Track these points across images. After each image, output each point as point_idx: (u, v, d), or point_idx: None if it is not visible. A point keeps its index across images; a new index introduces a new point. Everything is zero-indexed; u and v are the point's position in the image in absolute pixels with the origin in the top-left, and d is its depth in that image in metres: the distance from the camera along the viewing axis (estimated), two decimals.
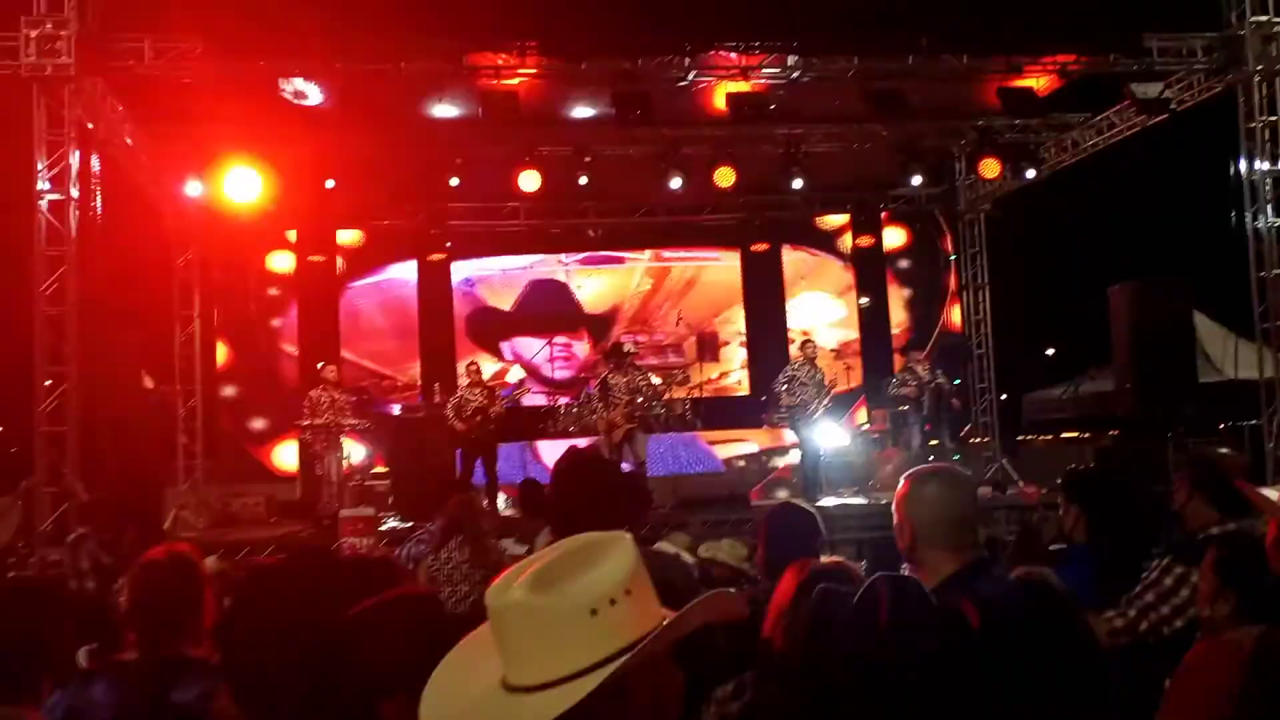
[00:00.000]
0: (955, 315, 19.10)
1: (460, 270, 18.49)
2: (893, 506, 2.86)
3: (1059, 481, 4.32)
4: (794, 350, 13.49)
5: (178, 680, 3.15)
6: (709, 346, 18.90)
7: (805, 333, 13.85)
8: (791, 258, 19.26)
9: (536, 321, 18.58)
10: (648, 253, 19.21)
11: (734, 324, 19.30)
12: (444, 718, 1.62)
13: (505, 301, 18.81)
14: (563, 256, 18.70)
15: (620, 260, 19.12)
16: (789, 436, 15.19)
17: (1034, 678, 2.60)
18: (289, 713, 2.24)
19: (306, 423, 13.50)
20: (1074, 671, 2.71)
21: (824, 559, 3.33)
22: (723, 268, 19.35)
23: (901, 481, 2.88)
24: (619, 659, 1.51)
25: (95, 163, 11.98)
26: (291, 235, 17.88)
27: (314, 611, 2.27)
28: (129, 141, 13.37)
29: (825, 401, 12.94)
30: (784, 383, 13.13)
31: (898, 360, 18.34)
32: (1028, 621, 2.63)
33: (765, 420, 16.57)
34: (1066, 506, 4.16)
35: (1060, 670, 2.66)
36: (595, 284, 19.08)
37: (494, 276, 18.88)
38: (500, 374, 17.21)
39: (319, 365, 13.89)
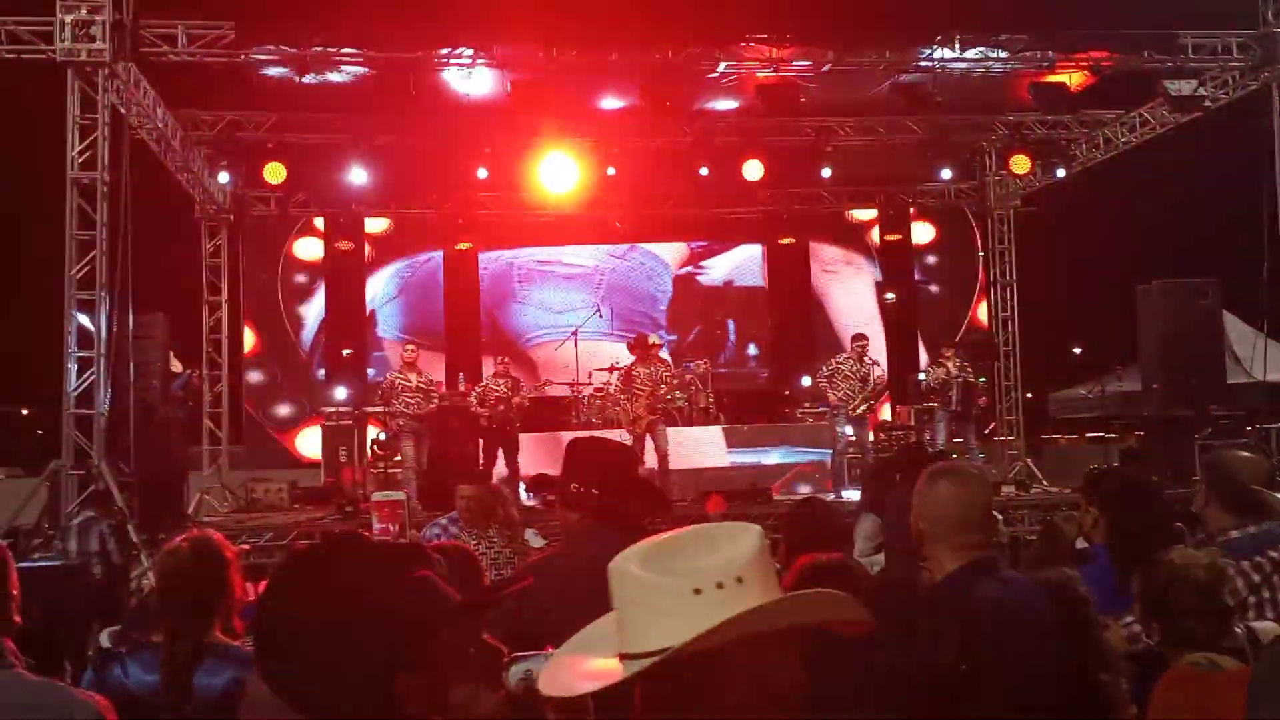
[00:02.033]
0: (982, 312, 18.99)
1: (486, 261, 18.49)
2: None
3: (1082, 481, 4.29)
4: (857, 347, 13.37)
5: (204, 665, 3.18)
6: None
7: (862, 335, 13.72)
8: (818, 252, 19.19)
9: None
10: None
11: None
12: (552, 676, 1.73)
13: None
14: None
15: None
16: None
17: (1041, 680, 2.59)
18: (314, 692, 2.27)
19: (381, 409, 13.29)
20: (1083, 677, 2.70)
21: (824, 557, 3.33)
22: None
23: (922, 478, 2.90)
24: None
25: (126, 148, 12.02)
26: (319, 223, 17.93)
27: (347, 597, 2.29)
28: (161, 126, 13.43)
29: (869, 398, 12.90)
30: (826, 375, 13.09)
31: (923, 357, 18.32)
32: (1041, 623, 2.62)
33: (788, 414, 16.58)
34: (1086, 506, 4.13)
35: (1070, 675, 2.65)
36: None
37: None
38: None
39: (406, 348, 13.51)
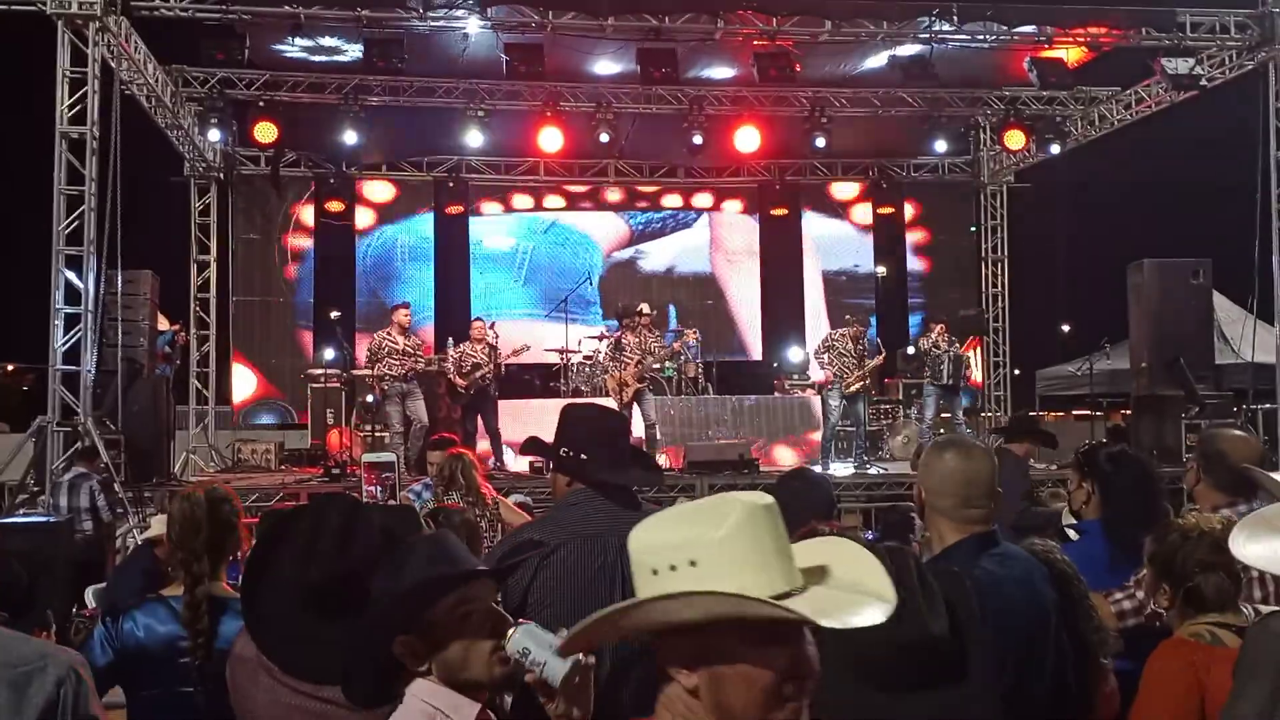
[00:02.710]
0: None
1: (478, 225, 18.38)
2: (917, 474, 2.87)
3: (1072, 457, 4.27)
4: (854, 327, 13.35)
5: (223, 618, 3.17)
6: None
7: (853, 316, 13.68)
8: (810, 222, 19.10)
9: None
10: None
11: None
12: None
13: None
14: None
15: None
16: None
17: (1036, 656, 2.59)
18: (308, 654, 2.26)
19: (368, 372, 13.14)
20: (1078, 654, 2.70)
21: (826, 526, 3.32)
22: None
23: (926, 450, 2.89)
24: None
25: (116, 103, 11.91)
26: (310, 184, 17.78)
27: (345, 560, 2.28)
28: (151, 82, 13.31)
29: (863, 375, 12.89)
30: (823, 351, 13.08)
31: (914, 331, 18.33)
32: (1039, 599, 2.61)
33: (777, 386, 16.56)
34: (1079, 482, 4.12)
35: (1063, 651, 2.65)
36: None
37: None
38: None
39: (399, 311, 13.33)
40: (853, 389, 12.80)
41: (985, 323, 18.20)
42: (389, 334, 12.68)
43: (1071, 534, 4.25)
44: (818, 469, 11.96)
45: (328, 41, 13.69)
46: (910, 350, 14.79)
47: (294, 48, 13.94)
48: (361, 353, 13.89)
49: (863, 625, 1.56)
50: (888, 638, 1.77)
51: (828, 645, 1.62)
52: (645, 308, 13.66)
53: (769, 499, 1.61)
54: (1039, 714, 2.55)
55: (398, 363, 12.51)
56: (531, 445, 3.41)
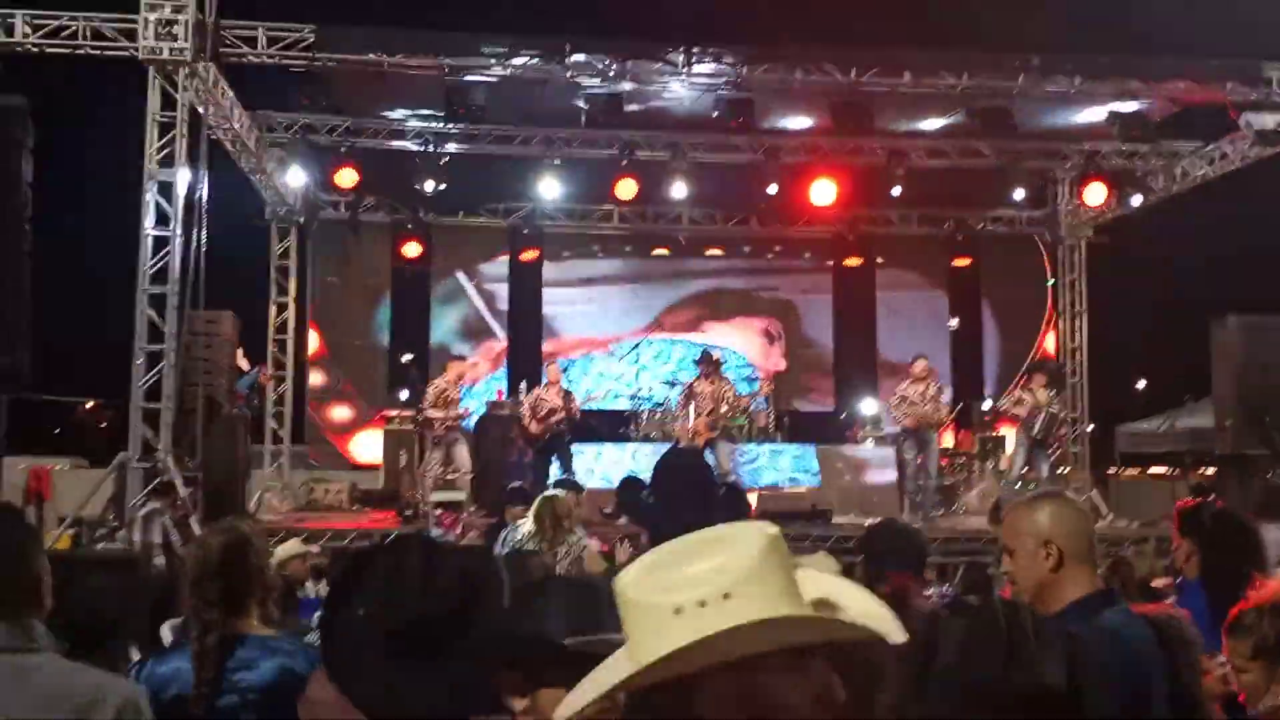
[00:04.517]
0: (1050, 341, 18.73)
1: (552, 270, 18.49)
2: (1016, 529, 2.77)
3: (1172, 514, 4.16)
4: (917, 369, 13.24)
5: (236, 656, 3.18)
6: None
7: (923, 357, 13.54)
8: (884, 274, 18.97)
9: None
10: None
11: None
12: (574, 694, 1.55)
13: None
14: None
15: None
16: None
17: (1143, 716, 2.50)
18: (387, 696, 2.23)
19: (427, 414, 13.31)
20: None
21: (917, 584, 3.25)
22: None
23: (1029, 503, 2.80)
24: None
25: (204, 147, 12.15)
26: (387, 227, 17.99)
27: (420, 598, 2.26)
28: (237, 127, 13.58)
29: (936, 423, 12.75)
30: (896, 402, 12.96)
31: (989, 384, 18.15)
32: (1153, 660, 2.53)
33: (850, 436, 16.41)
34: (1179, 540, 4.01)
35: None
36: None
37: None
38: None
39: (461, 358, 13.45)
40: (928, 437, 12.67)
41: (1064, 378, 17.90)
42: (446, 379, 12.92)
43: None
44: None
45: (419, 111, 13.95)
46: (1002, 402, 14.46)
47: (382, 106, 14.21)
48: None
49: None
50: (999, 685, 1.71)
51: (933, 686, 1.55)
52: (721, 355, 13.64)
53: (774, 526, 1.50)
54: None
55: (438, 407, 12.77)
56: (628, 487, 3.40)
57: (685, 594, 1.40)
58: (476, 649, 2.08)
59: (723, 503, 3.42)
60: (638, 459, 14.02)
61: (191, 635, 3.19)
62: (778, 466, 14.76)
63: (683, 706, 1.42)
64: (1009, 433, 15.09)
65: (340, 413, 18.17)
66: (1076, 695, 2.16)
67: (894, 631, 1.48)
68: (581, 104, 13.46)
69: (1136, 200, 15.43)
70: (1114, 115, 13.56)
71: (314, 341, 17.95)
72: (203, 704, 3.09)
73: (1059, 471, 16.86)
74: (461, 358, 13.34)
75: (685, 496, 3.37)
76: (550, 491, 7.21)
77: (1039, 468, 13.58)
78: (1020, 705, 2.06)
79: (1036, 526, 2.74)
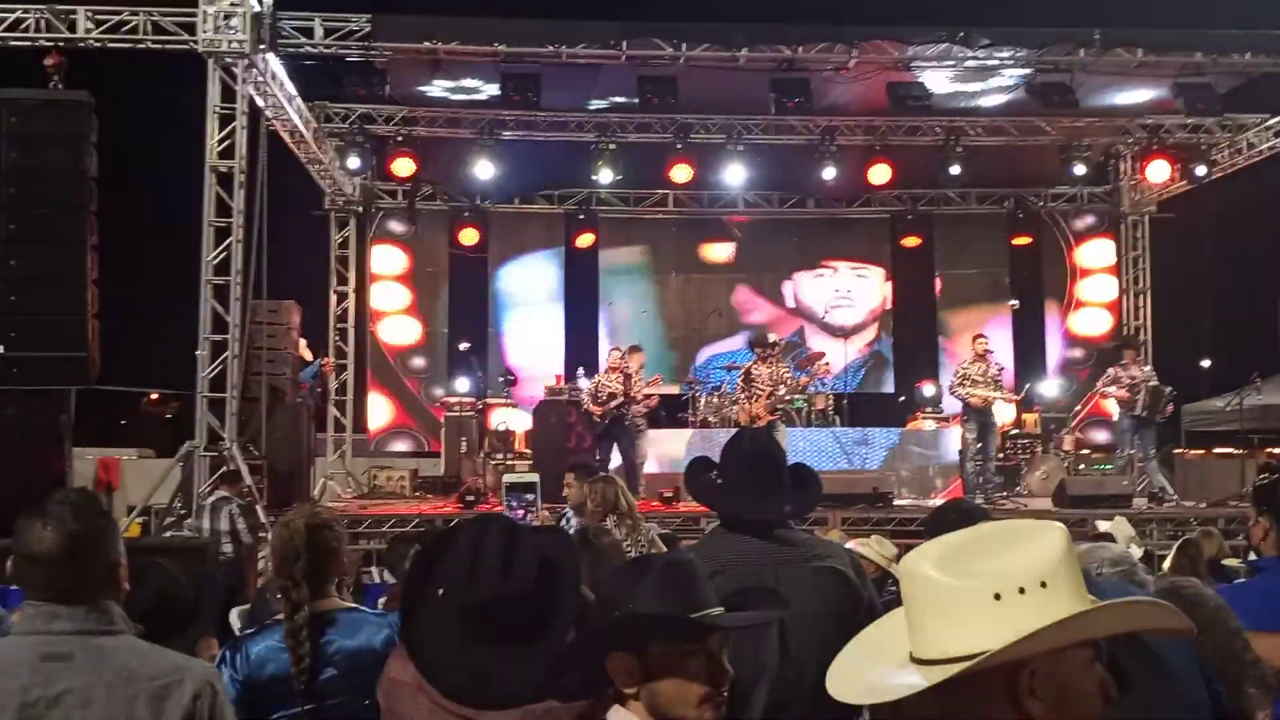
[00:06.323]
0: (1107, 321, 18.43)
1: (606, 258, 18.46)
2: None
3: (1248, 490, 4.09)
4: (978, 347, 13.13)
5: (330, 631, 3.27)
6: None
7: (983, 335, 13.44)
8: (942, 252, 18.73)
9: None
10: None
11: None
12: (843, 680, 1.63)
13: None
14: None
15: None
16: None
17: None
18: (469, 677, 2.24)
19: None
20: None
21: None
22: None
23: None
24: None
25: (263, 138, 12.27)
26: (445, 216, 18.05)
27: (500, 579, 2.26)
28: (295, 118, 13.69)
29: (1001, 397, 12.65)
30: (957, 381, 12.86)
31: (1049, 363, 17.93)
32: None
33: (909, 418, 16.29)
34: (1255, 517, 3.93)
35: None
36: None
37: None
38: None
39: (623, 350, 13.49)
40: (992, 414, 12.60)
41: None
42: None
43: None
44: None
45: (468, 81, 13.92)
46: (1103, 381, 14.13)
47: (434, 87, 14.22)
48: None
49: None
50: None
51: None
52: (777, 337, 13.57)
53: (1060, 523, 1.58)
54: None
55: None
56: (698, 467, 3.40)
57: (1003, 582, 1.48)
58: (566, 632, 2.09)
59: (792, 484, 3.38)
60: (694, 444, 14.01)
61: (284, 613, 3.25)
62: (837, 448, 14.64)
63: (993, 697, 1.50)
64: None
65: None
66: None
67: (1185, 622, 1.56)
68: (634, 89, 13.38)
69: (1200, 172, 15.14)
70: (1178, 87, 13.28)
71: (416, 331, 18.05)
72: (304, 678, 3.17)
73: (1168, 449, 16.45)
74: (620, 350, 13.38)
75: (755, 478, 3.36)
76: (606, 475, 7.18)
77: (1145, 448, 13.36)
78: None
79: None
